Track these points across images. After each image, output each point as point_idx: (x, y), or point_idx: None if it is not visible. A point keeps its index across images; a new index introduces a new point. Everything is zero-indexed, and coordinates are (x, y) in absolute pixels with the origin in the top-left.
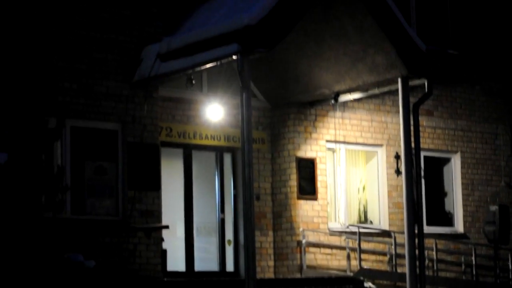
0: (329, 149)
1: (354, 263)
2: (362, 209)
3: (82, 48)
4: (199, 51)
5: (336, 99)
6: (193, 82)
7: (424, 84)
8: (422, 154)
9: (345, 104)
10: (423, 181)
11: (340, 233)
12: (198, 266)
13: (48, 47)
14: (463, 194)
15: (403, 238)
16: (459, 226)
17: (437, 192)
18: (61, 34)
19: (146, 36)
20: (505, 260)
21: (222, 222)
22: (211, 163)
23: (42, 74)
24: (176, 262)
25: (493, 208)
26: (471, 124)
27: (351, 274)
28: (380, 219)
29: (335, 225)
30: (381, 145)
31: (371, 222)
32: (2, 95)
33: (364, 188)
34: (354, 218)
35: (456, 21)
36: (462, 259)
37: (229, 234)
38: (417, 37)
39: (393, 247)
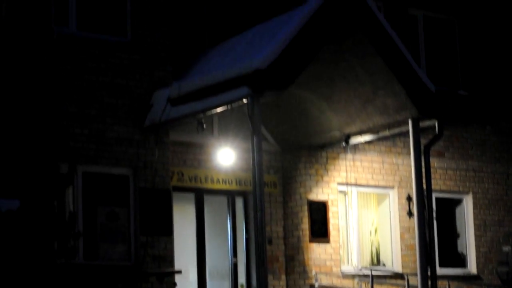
0: (340, 191)
1: None
2: (374, 251)
3: (92, 94)
4: (209, 95)
5: (347, 142)
6: (204, 126)
7: (435, 125)
8: (434, 195)
9: (356, 146)
10: (435, 222)
11: (353, 276)
12: None
13: (59, 93)
14: (475, 235)
15: (416, 280)
16: (472, 267)
17: (450, 233)
18: (71, 80)
19: (156, 80)
20: None
21: (234, 266)
22: (223, 207)
23: (53, 120)
24: None
25: (506, 248)
26: (483, 164)
27: None
28: (393, 261)
29: (348, 268)
30: (392, 187)
31: (383, 265)
32: (14, 142)
33: (376, 231)
34: (367, 261)
35: (466, 61)
36: None
37: (241, 278)
38: (427, 78)
39: None
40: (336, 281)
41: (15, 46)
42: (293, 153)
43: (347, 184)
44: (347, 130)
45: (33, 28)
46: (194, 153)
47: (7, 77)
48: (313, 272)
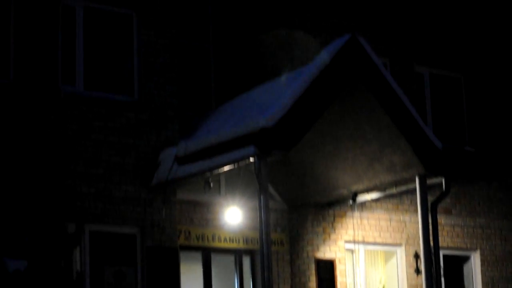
0: (348, 249)
1: None
2: None
3: (99, 153)
4: (216, 154)
5: (354, 199)
6: (211, 185)
7: (442, 182)
8: (442, 252)
9: (363, 203)
10: (443, 280)
11: None
12: None
13: (66, 152)
14: None
15: None
16: None
17: None
18: (79, 139)
19: (163, 139)
20: None
21: None
22: (230, 266)
23: (60, 180)
24: None
25: None
26: (490, 221)
27: None
28: None
29: None
30: (400, 245)
31: None
32: (21, 202)
33: None
34: None
35: (473, 118)
36: None
37: None
38: (433, 135)
39: None
40: None
41: (23, 106)
42: (300, 211)
43: (354, 242)
44: (354, 188)
45: (40, 88)
46: (201, 212)
47: (15, 137)
48: None
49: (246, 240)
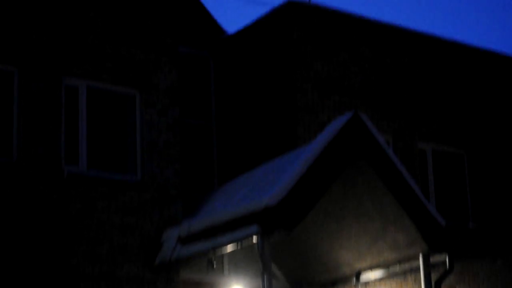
0: None
1: None
2: None
3: (102, 233)
4: (219, 234)
5: (357, 278)
6: (214, 265)
7: (445, 260)
8: None
9: (366, 282)
10: None
11: None
12: None
13: (69, 232)
14: None
15: None
16: None
17: None
18: (82, 219)
19: (166, 219)
20: None
21: None
22: None
23: (63, 260)
24: None
25: None
26: None
27: None
28: None
29: None
30: None
31: None
32: (24, 281)
33: None
34: None
35: (475, 194)
36: None
37: None
38: (437, 213)
39: None
40: None
41: (26, 186)
42: None
43: None
44: (357, 266)
45: (44, 168)
46: None
47: (18, 217)
48: None
49: None
